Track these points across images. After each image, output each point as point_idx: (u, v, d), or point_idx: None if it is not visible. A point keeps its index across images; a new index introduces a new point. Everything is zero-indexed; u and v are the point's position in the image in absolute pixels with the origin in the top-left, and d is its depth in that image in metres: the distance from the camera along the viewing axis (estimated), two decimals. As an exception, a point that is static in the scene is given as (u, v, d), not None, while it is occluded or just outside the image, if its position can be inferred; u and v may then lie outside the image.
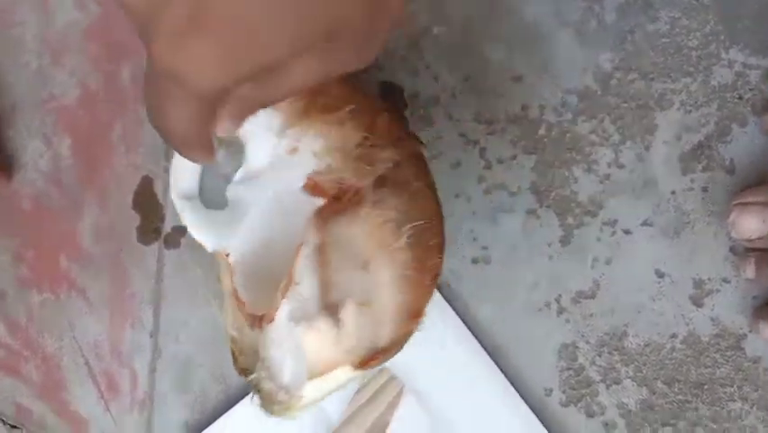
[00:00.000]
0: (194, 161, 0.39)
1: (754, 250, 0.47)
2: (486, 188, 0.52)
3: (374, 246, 0.40)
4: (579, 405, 0.50)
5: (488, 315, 0.51)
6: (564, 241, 0.51)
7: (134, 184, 0.56)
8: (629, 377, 0.50)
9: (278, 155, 0.45)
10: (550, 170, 0.51)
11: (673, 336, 0.49)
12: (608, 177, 0.50)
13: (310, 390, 0.40)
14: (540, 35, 0.52)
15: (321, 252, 0.41)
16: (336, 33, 0.32)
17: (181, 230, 0.55)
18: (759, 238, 0.46)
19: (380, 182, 0.41)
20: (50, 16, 0.57)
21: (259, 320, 0.42)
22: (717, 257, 0.49)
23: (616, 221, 0.50)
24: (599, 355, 0.50)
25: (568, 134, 0.51)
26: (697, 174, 0.50)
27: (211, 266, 0.54)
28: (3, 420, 0.56)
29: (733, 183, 0.49)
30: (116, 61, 0.56)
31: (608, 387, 0.50)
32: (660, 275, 0.50)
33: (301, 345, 0.39)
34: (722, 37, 0.50)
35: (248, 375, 0.43)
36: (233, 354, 0.45)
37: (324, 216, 0.41)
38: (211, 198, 0.46)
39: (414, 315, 0.40)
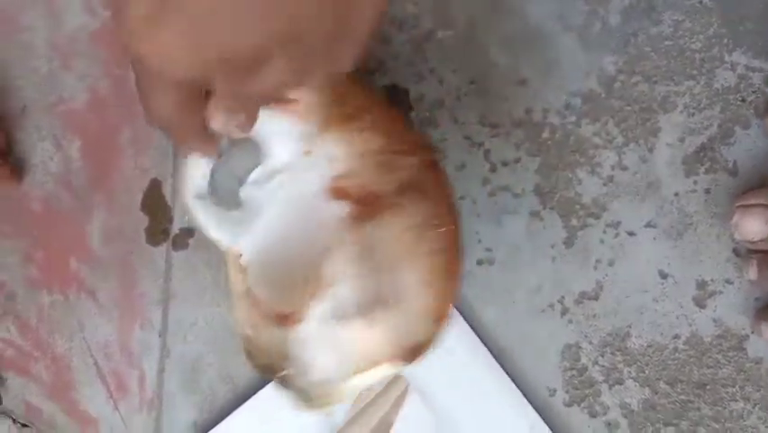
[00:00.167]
0: (191, 151, 0.40)
1: (756, 251, 0.48)
2: (490, 191, 0.52)
3: (400, 250, 0.41)
4: (582, 405, 0.50)
5: (492, 316, 0.52)
6: (568, 242, 0.51)
7: (143, 186, 0.56)
8: (632, 377, 0.50)
9: (293, 157, 0.46)
10: (554, 173, 0.51)
11: (676, 336, 0.50)
12: (611, 179, 0.51)
13: (351, 385, 0.41)
14: (544, 39, 0.52)
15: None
16: (298, 33, 0.32)
17: (189, 231, 0.55)
18: (762, 240, 0.46)
19: (403, 188, 0.42)
20: (60, 20, 0.58)
21: (284, 319, 0.43)
22: (720, 259, 0.50)
23: (619, 223, 0.51)
24: (602, 356, 0.50)
25: (572, 137, 0.51)
26: (700, 176, 0.50)
27: (219, 267, 0.54)
28: (13, 419, 0.57)
29: (736, 185, 0.50)
30: (125, 65, 0.57)
31: (610, 387, 0.50)
32: (663, 276, 0.50)
33: (343, 342, 0.41)
34: (725, 40, 0.50)
35: (268, 372, 0.44)
36: (248, 352, 0.45)
37: (352, 220, 0.42)
38: (224, 198, 0.47)
39: (441, 316, 0.42)
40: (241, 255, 0.45)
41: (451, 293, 0.43)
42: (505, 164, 0.52)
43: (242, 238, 0.46)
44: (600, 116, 0.51)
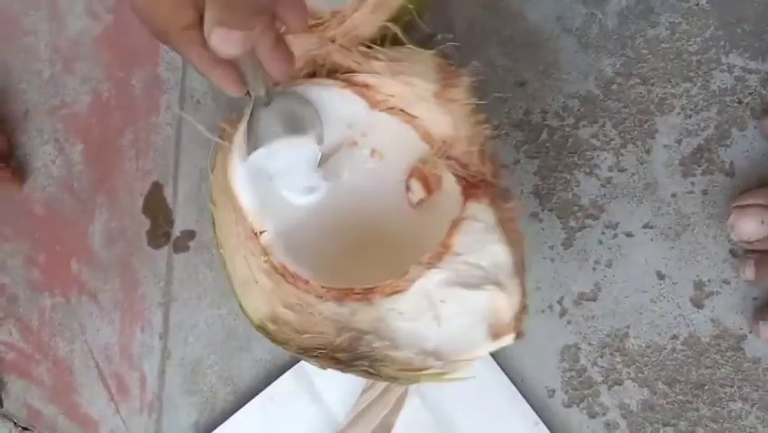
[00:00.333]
0: (204, 74, 0.38)
1: (753, 252, 0.48)
2: (489, 192, 0.52)
3: (509, 231, 0.42)
4: (581, 406, 0.51)
5: (491, 317, 0.52)
6: (566, 243, 0.51)
7: (144, 189, 0.57)
8: (630, 378, 0.50)
9: (339, 144, 0.47)
10: (552, 174, 0.52)
11: (674, 337, 0.50)
12: (609, 180, 0.51)
13: (484, 352, 0.41)
14: (542, 41, 0.52)
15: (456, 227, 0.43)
16: None
17: (190, 234, 0.56)
18: (758, 240, 0.47)
19: (491, 188, 0.44)
20: (62, 24, 0.58)
21: (360, 294, 0.43)
22: (718, 259, 0.50)
23: (617, 224, 0.51)
24: (601, 357, 0.51)
25: (570, 139, 0.52)
26: (697, 177, 0.50)
27: (219, 269, 0.55)
28: (14, 422, 0.57)
29: (732, 186, 0.50)
30: (127, 69, 0.57)
31: (609, 388, 0.50)
32: (661, 277, 0.50)
33: (477, 309, 0.41)
34: (722, 42, 0.51)
35: (310, 354, 0.43)
36: (275, 336, 0.44)
37: (466, 198, 0.44)
38: (256, 151, 0.45)
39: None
40: (262, 233, 0.45)
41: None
42: (504, 166, 0.52)
43: (268, 216, 0.45)
44: (598, 118, 0.51)
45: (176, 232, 0.56)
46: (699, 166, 0.50)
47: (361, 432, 0.51)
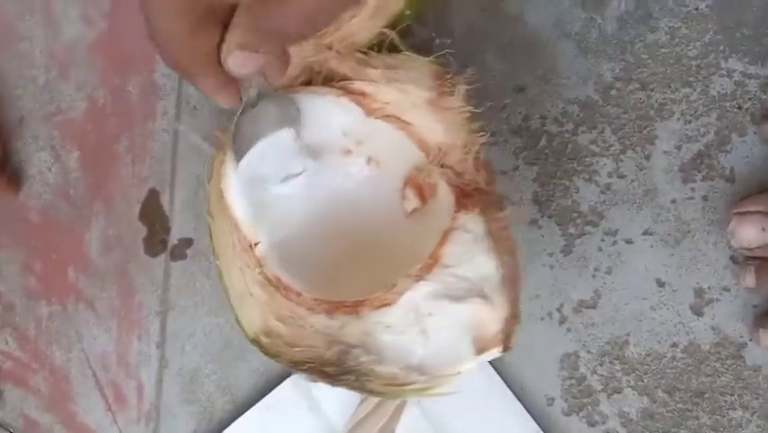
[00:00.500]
0: (208, 94, 0.38)
1: (753, 258, 0.48)
2: (488, 199, 0.52)
3: (501, 240, 0.42)
4: (580, 414, 0.50)
5: (490, 324, 0.52)
6: (566, 250, 0.51)
7: (141, 196, 0.56)
8: (630, 386, 0.50)
9: (332, 152, 0.46)
10: (551, 181, 0.51)
11: (674, 345, 0.50)
12: (608, 187, 0.51)
13: (468, 367, 0.40)
14: (542, 46, 0.52)
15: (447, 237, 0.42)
16: None
17: (187, 242, 0.55)
18: (759, 247, 0.46)
19: (484, 197, 0.43)
20: (58, 30, 0.58)
21: (350, 307, 0.42)
22: (718, 266, 0.50)
23: (617, 231, 0.51)
24: (601, 365, 0.50)
25: (569, 145, 0.51)
26: (697, 183, 0.50)
27: (217, 277, 0.54)
28: (11, 432, 0.57)
29: (733, 192, 0.50)
30: (123, 75, 0.57)
31: (609, 396, 0.50)
32: (660, 284, 0.50)
33: (463, 323, 0.40)
34: (721, 47, 0.50)
35: (301, 367, 0.43)
36: (268, 349, 0.44)
37: (459, 208, 0.43)
38: (243, 156, 0.45)
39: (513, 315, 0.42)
40: (257, 244, 0.44)
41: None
42: (503, 172, 0.52)
43: (262, 227, 0.45)
44: (597, 124, 0.51)
45: (173, 239, 0.56)
46: (699, 172, 0.50)
47: (359, 441, 0.51)
